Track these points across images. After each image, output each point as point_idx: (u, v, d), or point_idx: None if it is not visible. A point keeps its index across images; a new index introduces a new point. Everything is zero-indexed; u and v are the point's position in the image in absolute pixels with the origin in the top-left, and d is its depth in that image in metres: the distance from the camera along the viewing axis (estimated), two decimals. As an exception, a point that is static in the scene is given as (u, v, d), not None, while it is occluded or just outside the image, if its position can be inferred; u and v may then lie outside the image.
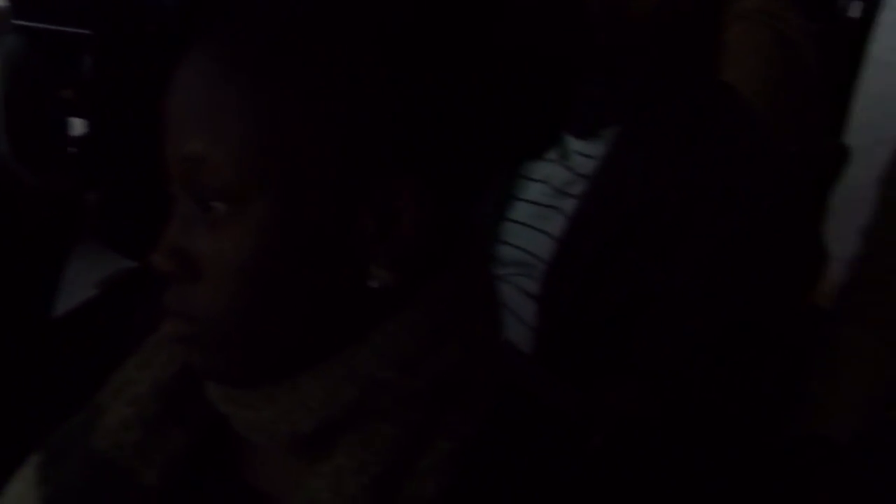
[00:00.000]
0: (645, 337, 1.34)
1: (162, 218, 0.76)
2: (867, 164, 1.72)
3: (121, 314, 0.99)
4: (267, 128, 0.71)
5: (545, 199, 1.44)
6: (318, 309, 0.74)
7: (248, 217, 0.71)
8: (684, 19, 1.34)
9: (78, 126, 3.28)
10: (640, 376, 1.33)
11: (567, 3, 0.87)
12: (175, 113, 0.73)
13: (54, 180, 2.37)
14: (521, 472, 0.78)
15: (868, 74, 4.08)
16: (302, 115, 0.71)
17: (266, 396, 0.76)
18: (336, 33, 0.72)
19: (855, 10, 2.70)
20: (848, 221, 1.70)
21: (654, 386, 1.32)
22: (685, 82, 1.36)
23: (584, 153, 1.41)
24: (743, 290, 1.31)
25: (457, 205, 0.79)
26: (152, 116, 0.81)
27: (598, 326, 1.36)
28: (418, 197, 0.73)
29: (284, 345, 0.75)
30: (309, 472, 0.76)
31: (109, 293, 2.49)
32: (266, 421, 0.76)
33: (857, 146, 2.70)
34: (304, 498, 0.75)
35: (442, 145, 0.74)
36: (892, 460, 1.49)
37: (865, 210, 1.67)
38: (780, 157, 1.35)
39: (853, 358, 1.57)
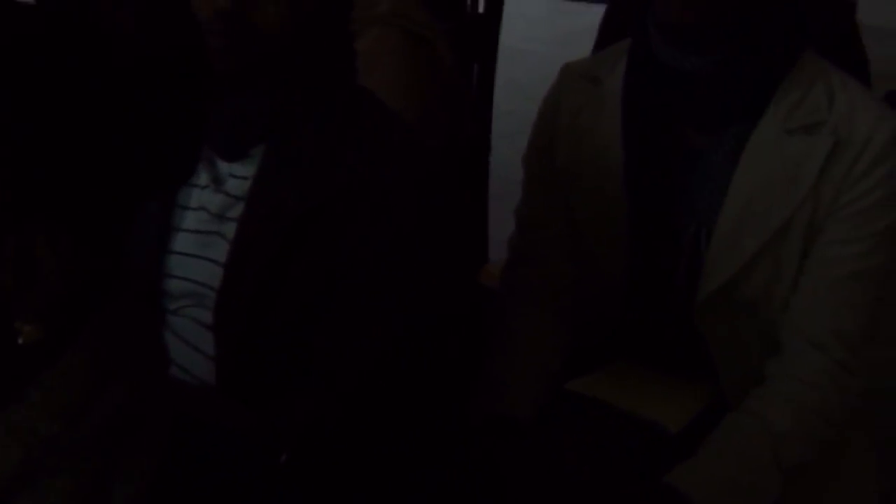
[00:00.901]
0: (321, 347, 1.35)
1: None
2: (517, 149, 1.80)
3: None
4: None
5: (205, 226, 1.42)
6: None
7: None
8: (313, 33, 1.36)
9: None
10: (322, 386, 1.35)
11: (181, 26, 0.87)
12: None
13: None
14: (210, 501, 0.77)
15: (507, 64, 4.29)
16: None
17: None
18: None
19: (482, 6, 2.83)
20: (505, 205, 1.77)
21: (337, 393, 1.34)
22: (324, 92, 1.39)
23: (238, 175, 1.41)
24: (408, 284, 1.35)
25: (101, 245, 0.76)
26: None
27: (275, 346, 1.36)
28: (54, 244, 0.71)
29: None
30: None
31: None
32: None
33: (505, 133, 2.84)
34: None
35: (68, 187, 0.71)
36: (573, 433, 1.54)
37: (519, 192, 1.75)
38: (426, 152, 1.40)
39: (523, 334, 1.62)
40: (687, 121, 1.51)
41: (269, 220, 1.35)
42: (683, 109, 1.50)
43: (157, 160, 0.77)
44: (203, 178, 1.43)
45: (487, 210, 2.81)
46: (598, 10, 2.28)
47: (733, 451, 1.44)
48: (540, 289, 1.64)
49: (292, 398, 1.34)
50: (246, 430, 0.96)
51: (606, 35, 2.15)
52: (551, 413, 1.56)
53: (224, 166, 1.42)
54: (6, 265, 0.70)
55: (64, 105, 0.71)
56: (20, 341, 0.71)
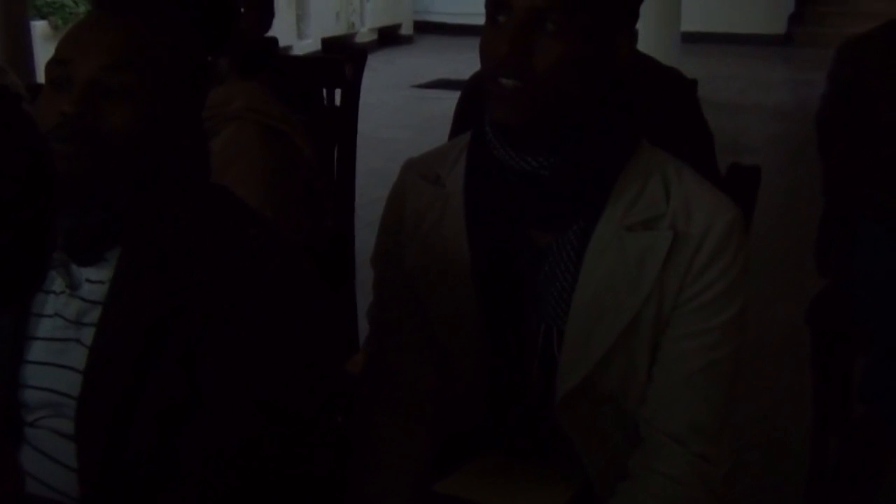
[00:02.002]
0: (187, 452, 1.32)
1: None
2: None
3: None
4: None
5: (61, 333, 1.39)
6: None
7: None
8: (162, 135, 1.36)
9: None
10: (190, 493, 1.31)
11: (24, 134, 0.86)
12: None
13: None
14: None
15: (369, 153, 4.33)
16: None
17: None
18: None
19: (339, 97, 2.86)
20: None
21: (206, 499, 1.31)
22: (178, 193, 1.38)
23: (93, 280, 1.38)
24: (273, 381, 1.33)
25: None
26: None
27: (139, 453, 1.33)
28: None
29: None
30: None
31: None
32: None
33: (370, 221, 2.86)
34: None
35: None
36: None
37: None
38: (285, 247, 1.40)
39: (387, 447, 1.58)
40: (530, 220, 1.51)
41: (128, 324, 1.33)
42: (525, 209, 1.50)
43: (2, 274, 0.76)
44: (58, 283, 1.40)
45: (355, 298, 2.81)
46: (455, 96, 2.31)
47: None
48: (400, 398, 1.60)
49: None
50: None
51: (459, 125, 2.17)
52: None
53: (79, 271, 1.39)
54: None
55: None
56: None
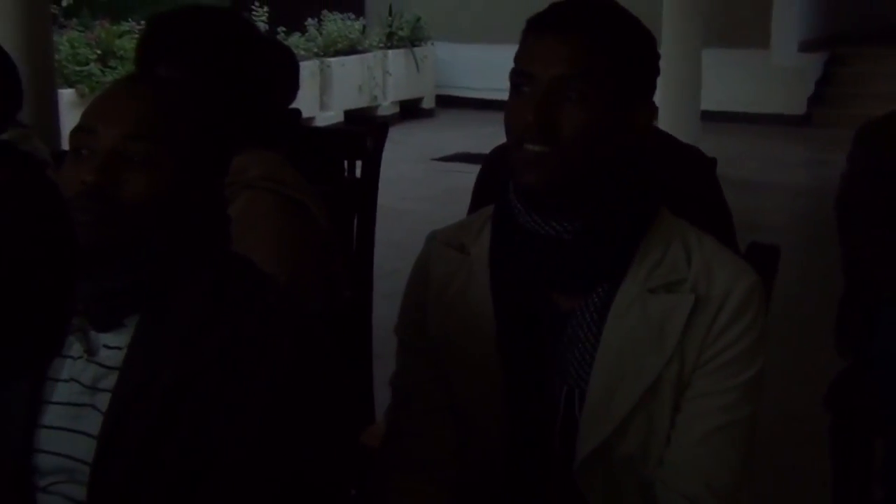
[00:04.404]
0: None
1: None
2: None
3: None
4: None
5: (77, 398, 1.39)
6: None
7: None
8: (182, 203, 1.38)
9: None
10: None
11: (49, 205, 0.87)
12: None
13: None
14: None
15: (388, 224, 4.34)
16: None
17: None
18: None
19: (359, 170, 2.88)
20: (390, 364, 1.73)
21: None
22: (197, 260, 1.39)
23: (111, 345, 1.39)
24: (288, 450, 1.33)
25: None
26: None
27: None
28: None
29: None
30: None
31: None
32: None
33: (388, 293, 2.86)
34: None
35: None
36: None
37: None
38: (301, 317, 1.40)
39: (405, 501, 1.59)
40: (553, 284, 1.54)
41: (144, 391, 1.33)
42: (549, 274, 1.52)
43: (21, 339, 0.76)
44: (75, 348, 1.40)
45: (372, 370, 2.80)
46: (475, 170, 2.32)
47: None
48: (422, 462, 1.60)
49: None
50: None
51: (479, 198, 2.18)
52: None
53: (97, 336, 1.40)
54: None
55: None
56: None
